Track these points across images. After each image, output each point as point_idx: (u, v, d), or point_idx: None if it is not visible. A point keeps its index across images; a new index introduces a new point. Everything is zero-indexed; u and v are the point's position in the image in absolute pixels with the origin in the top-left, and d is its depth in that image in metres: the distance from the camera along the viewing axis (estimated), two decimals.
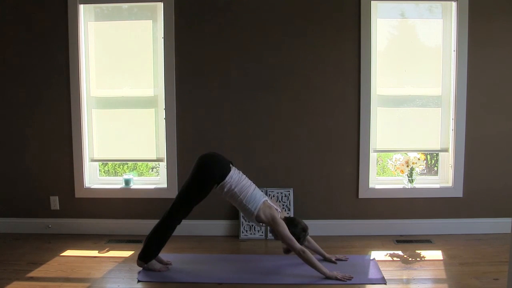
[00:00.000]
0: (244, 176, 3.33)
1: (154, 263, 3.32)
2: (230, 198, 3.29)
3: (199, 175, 3.22)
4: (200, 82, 4.05)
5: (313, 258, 3.17)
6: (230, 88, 4.05)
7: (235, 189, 3.22)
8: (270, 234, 3.44)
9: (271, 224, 3.22)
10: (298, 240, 3.21)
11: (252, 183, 3.33)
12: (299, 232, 3.25)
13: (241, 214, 4.03)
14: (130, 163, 4.66)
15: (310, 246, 3.43)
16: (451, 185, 4.09)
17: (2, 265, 3.43)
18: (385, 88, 4.08)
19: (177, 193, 4.02)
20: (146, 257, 3.28)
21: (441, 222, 4.09)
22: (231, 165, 3.30)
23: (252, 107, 4.06)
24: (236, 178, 3.25)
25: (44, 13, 4.02)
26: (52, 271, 3.34)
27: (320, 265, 3.16)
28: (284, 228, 3.18)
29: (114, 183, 4.29)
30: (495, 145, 4.04)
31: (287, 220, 3.29)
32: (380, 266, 3.37)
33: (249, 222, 4.00)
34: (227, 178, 3.21)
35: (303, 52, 3.99)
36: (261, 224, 3.30)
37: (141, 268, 3.33)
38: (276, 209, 3.28)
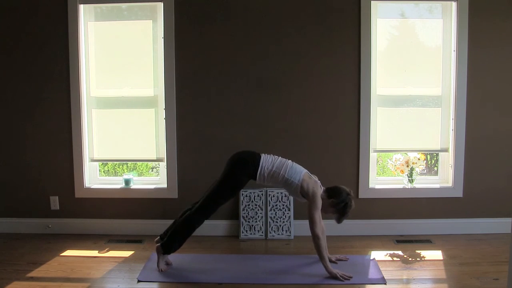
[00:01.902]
0: (277, 156, 3.37)
1: (165, 259, 3.35)
2: (272, 180, 3.30)
3: (234, 170, 3.26)
4: (200, 82, 4.05)
5: (324, 248, 3.19)
6: (230, 88, 4.05)
7: (274, 168, 3.26)
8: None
9: (309, 198, 3.22)
10: (346, 205, 3.22)
11: (287, 159, 3.35)
12: (345, 197, 3.24)
13: (241, 214, 4.04)
14: (130, 163, 4.66)
15: None
16: (451, 185, 4.09)
17: (2, 265, 3.43)
18: (385, 88, 4.07)
19: (177, 192, 4.08)
20: (168, 249, 3.32)
21: (441, 222, 4.09)
22: (260, 154, 3.35)
23: (252, 108, 4.05)
24: (270, 159, 3.30)
25: (44, 13, 4.01)
26: (52, 271, 3.34)
27: (326, 257, 3.20)
28: (317, 210, 3.19)
29: (114, 183, 4.28)
30: (495, 145, 4.04)
31: (330, 191, 3.27)
32: (380, 266, 3.38)
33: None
34: (261, 163, 3.26)
35: (303, 52, 3.99)
36: (304, 198, 3.29)
37: (141, 268, 3.34)
38: (321, 186, 3.29)
